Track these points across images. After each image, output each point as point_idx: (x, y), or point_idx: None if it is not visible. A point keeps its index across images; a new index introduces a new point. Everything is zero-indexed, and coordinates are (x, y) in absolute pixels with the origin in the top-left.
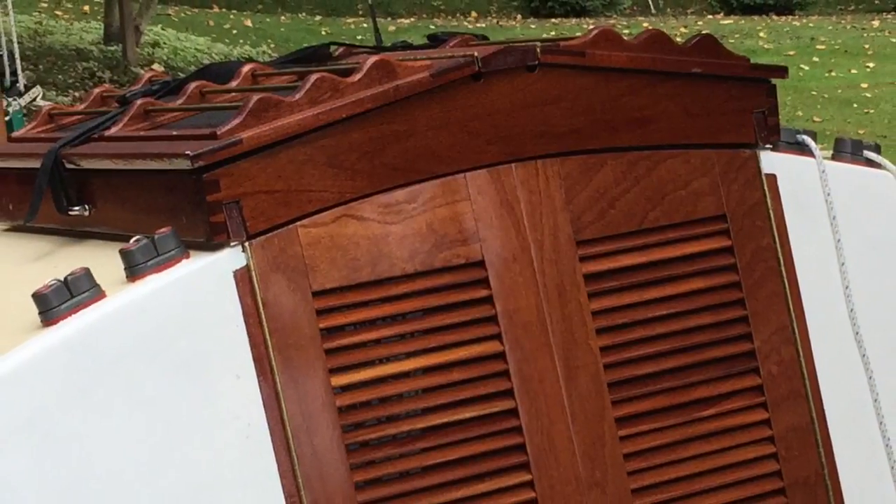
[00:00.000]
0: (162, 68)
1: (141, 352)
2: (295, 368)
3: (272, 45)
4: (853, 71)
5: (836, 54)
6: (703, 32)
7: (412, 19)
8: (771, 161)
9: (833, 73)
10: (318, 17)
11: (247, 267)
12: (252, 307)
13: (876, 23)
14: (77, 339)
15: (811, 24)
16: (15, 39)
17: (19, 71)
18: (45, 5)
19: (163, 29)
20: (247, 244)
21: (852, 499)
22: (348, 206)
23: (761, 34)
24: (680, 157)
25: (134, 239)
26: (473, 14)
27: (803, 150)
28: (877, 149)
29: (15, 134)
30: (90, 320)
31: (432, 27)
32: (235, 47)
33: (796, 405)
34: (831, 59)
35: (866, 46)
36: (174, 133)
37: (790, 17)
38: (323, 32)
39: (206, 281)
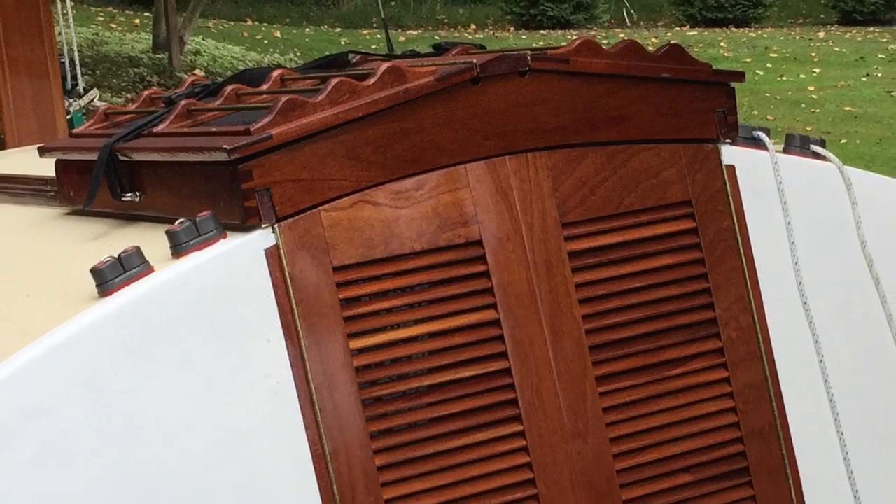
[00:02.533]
0: (203, 73)
1: (184, 319)
2: (318, 333)
3: (298, 54)
4: (801, 76)
5: (786, 61)
6: (672, 42)
7: (419, 31)
8: (730, 154)
9: (784, 78)
10: (337, 30)
11: (276, 245)
12: (281, 280)
13: (821, 34)
14: (129, 309)
15: (765, 36)
16: (75, 48)
17: (79, 76)
18: (101, 19)
19: (203, 39)
20: (276, 226)
21: (800, 446)
22: (364, 193)
23: (722, 44)
24: (651, 150)
25: (178, 221)
26: (473, 26)
27: (758, 144)
28: (822, 143)
29: (75, 130)
30: (140, 292)
31: (437, 38)
32: (266, 55)
33: (752, 365)
34: (782, 66)
35: (813, 55)
36: (213, 130)
37: (747, 29)
38: (342, 42)
39: (241, 258)
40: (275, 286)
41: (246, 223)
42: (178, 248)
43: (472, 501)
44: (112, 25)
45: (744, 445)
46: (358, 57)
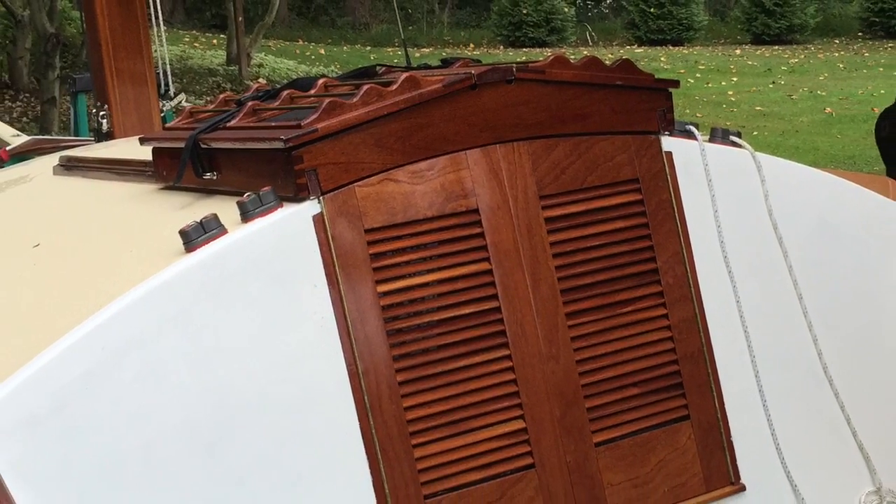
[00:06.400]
0: (265, 81)
1: (251, 269)
2: (353, 280)
3: (338, 66)
4: (723, 83)
5: (711, 72)
6: (624, 58)
7: (431, 49)
8: (668, 143)
9: (710, 85)
10: (368, 48)
11: (321, 213)
12: (324, 239)
13: (738, 51)
14: (208, 261)
15: (695, 52)
16: (167, 62)
17: (170, 83)
18: (188, 40)
19: (265, 55)
20: (321, 198)
21: (722, 367)
22: (388, 173)
23: (662, 59)
24: (608, 140)
25: (246, 195)
26: (471, 45)
27: (690, 135)
28: (738, 135)
29: (168, 125)
30: (217, 248)
31: (444, 54)
32: (313, 67)
33: (685, 304)
34: (708, 76)
35: (732, 67)
36: (273, 124)
37: (681, 47)
38: (371, 57)
39: (294, 222)
40: (320, 244)
41: (298, 196)
42: (246, 215)
43: (471, 409)
44: (195, 45)
45: (678, 366)
46: (383, 69)
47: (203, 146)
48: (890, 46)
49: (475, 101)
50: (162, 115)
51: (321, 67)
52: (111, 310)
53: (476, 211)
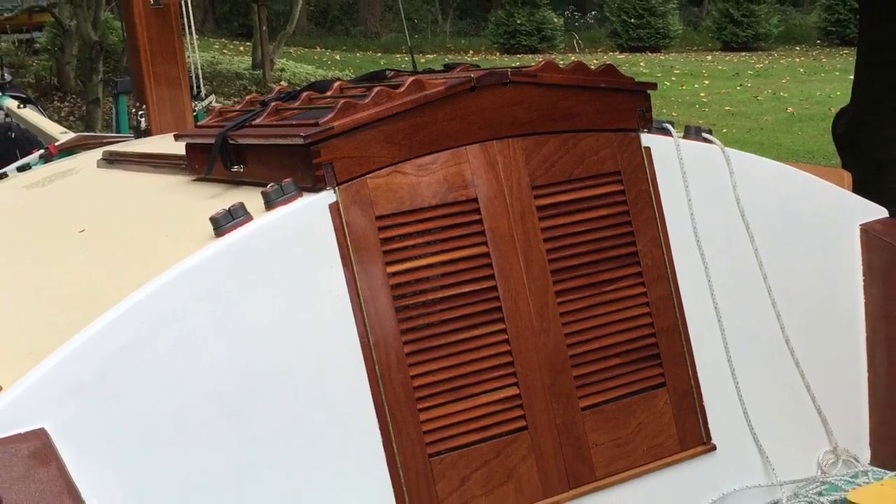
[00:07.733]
0: (286, 84)
1: (274, 252)
2: (365, 262)
3: (352, 70)
4: (696, 86)
5: (685, 76)
6: (607, 63)
7: (434, 55)
8: (647, 139)
9: (684, 87)
10: (378, 54)
11: (336, 202)
12: (339, 225)
13: (709, 57)
14: (236, 245)
15: (670, 58)
16: (199, 67)
17: (202, 86)
18: (217, 47)
19: (287, 61)
20: (336, 188)
21: (695, 339)
22: (396, 166)
23: (641, 64)
24: (593, 137)
25: (269, 185)
26: (471, 52)
27: (666, 132)
28: (710, 132)
29: (199, 123)
30: (244, 233)
31: (446, 59)
32: (330, 72)
33: (662, 284)
34: (682, 79)
35: (704, 71)
36: (293, 122)
37: (658, 53)
38: (382, 63)
39: (313, 211)
40: (335, 229)
41: (316, 186)
42: (270, 204)
43: (470, 377)
44: (224, 52)
45: (656, 339)
46: (392, 73)
47: (231, 142)
48: (845, 53)
49: (474, 102)
50: (194, 114)
51: (337, 71)
52: (149, 288)
53: (475, 200)
